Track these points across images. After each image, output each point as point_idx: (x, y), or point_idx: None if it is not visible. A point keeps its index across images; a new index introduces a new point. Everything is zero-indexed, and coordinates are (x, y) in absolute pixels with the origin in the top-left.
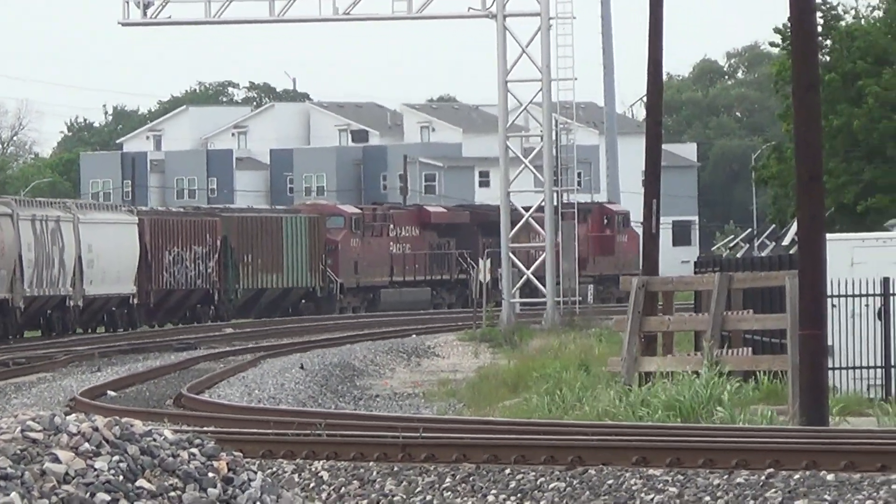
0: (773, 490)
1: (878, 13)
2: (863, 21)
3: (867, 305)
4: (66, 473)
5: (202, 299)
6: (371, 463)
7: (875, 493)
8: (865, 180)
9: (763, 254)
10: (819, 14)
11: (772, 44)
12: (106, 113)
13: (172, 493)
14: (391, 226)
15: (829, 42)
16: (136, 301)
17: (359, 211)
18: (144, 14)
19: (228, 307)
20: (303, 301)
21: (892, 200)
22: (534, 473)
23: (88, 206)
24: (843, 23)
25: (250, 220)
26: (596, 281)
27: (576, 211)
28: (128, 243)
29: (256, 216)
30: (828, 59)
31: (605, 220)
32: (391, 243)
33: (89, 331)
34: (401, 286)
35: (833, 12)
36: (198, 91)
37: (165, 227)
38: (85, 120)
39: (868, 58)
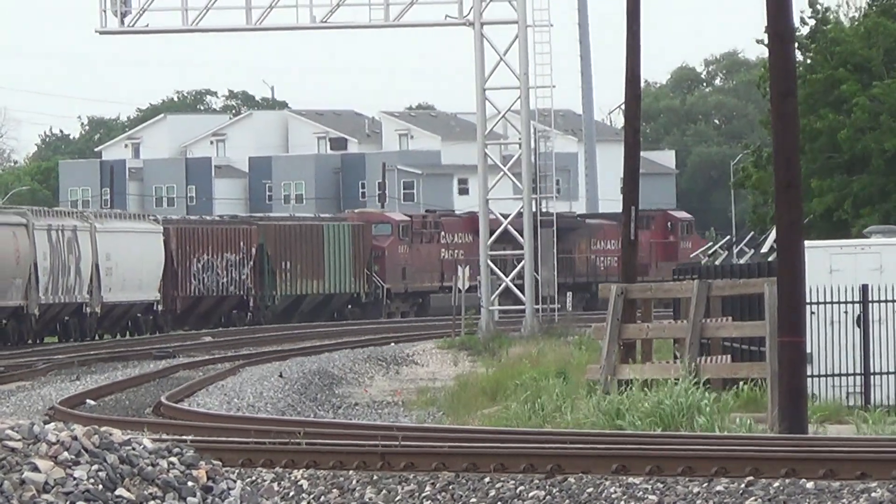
0: (753, 498)
1: (856, 22)
2: (846, 22)
3: (846, 312)
4: (46, 482)
5: (237, 305)
6: (351, 471)
7: (854, 502)
8: (854, 193)
9: (742, 261)
10: (810, 16)
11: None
12: (82, 124)
13: (152, 502)
14: (442, 232)
15: (814, 45)
16: (160, 307)
17: (407, 218)
18: (122, 22)
19: (265, 313)
20: (349, 306)
21: (886, 212)
22: (513, 482)
23: (108, 216)
24: (829, 26)
25: (288, 227)
26: None
27: (554, 219)
28: (151, 251)
29: (295, 224)
30: (810, 62)
31: (669, 227)
32: (442, 249)
33: (117, 335)
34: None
35: (820, 16)
36: (176, 99)
37: (194, 235)
38: (61, 131)
39: (848, 65)
